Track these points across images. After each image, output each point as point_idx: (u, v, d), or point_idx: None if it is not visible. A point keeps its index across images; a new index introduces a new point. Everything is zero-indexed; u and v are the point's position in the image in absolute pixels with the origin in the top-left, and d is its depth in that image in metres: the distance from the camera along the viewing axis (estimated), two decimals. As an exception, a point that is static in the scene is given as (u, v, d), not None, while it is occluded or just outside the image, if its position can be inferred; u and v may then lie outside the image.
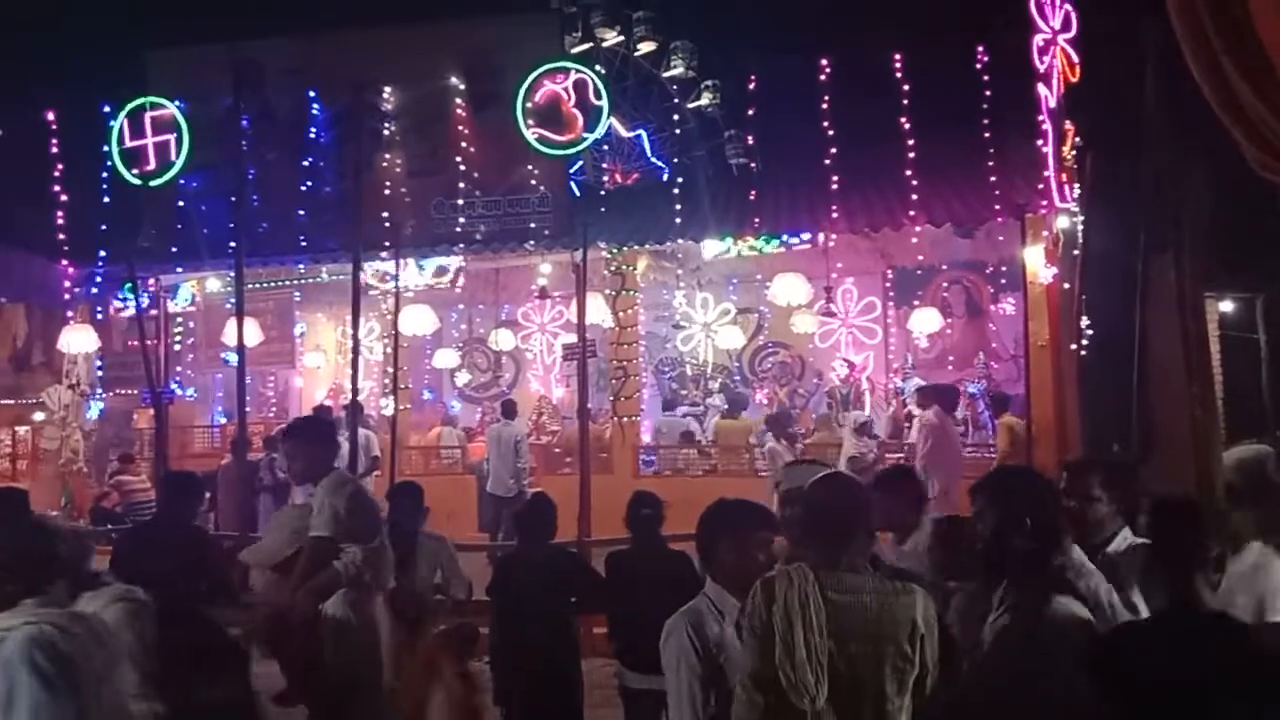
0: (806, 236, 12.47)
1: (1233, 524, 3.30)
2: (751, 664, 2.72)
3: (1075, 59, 11.46)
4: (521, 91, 11.96)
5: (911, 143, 11.69)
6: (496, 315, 16.24)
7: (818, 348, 15.76)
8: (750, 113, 13.20)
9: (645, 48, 14.76)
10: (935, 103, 12.13)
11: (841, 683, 2.62)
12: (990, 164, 11.45)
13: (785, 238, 12.54)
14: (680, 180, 12.97)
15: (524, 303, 16.55)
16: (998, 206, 11.18)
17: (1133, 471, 4.67)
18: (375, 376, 15.85)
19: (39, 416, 13.79)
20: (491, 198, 12.62)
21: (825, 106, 12.08)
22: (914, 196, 11.52)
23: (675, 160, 13.74)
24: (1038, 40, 11.01)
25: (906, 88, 11.93)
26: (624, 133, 14.64)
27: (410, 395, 15.61)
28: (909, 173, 11.59)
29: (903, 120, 11.80)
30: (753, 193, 12.44)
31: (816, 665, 2.59)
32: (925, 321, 13.80)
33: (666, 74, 14.50)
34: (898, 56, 12.02)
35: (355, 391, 6.49)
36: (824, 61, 12.25)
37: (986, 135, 11.58)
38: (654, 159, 14.38)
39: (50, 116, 12.97)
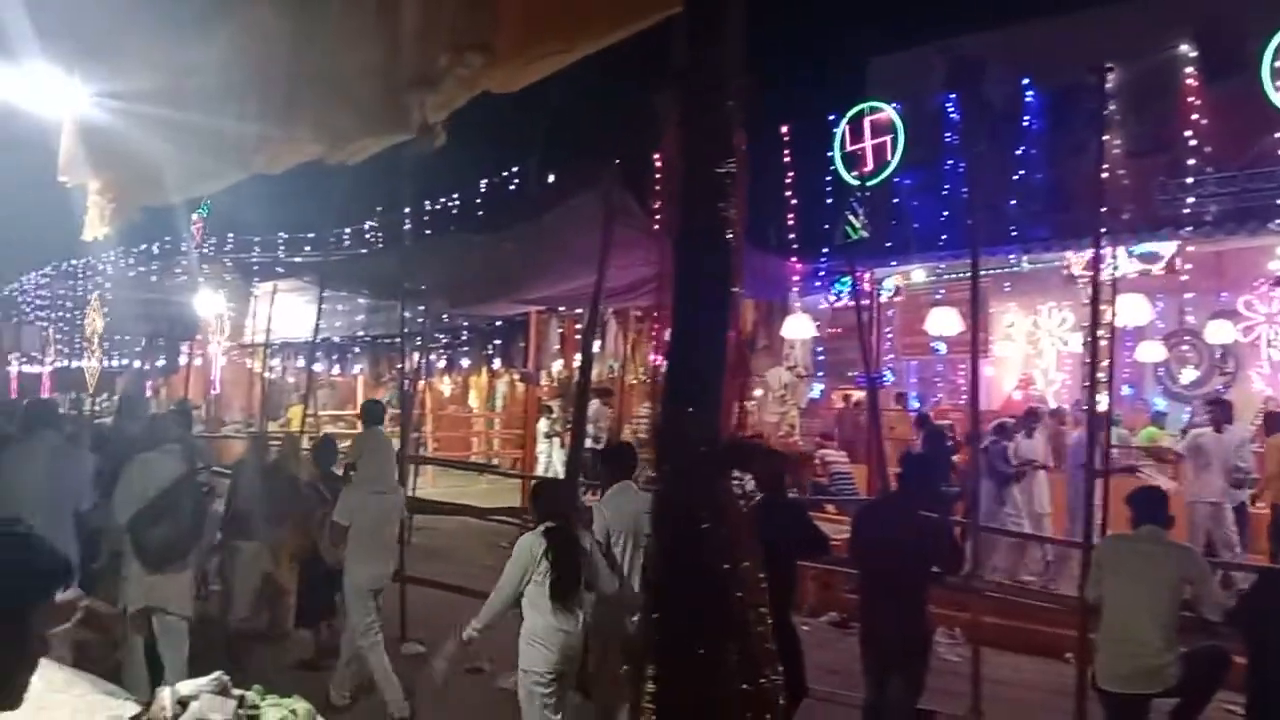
0: None
1: None
2: None
3: None
4: (1270, 50, 10.59)
5: None
6: (1211, 304, 14.58)
7: None
8: None
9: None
10: None
11: None
12: None
13: None
14: None
15: (1247, 290, 14.64)
16: None
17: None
18: (1067, 369, 15.25)
19: (758, 393, 15.56)
20: (1226, 174, 11.40)
21: None
22: None
23: None
24: None
25: None
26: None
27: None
28: None
29: None
30: None
31: None
32: None
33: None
34: None
35: (1098, 389, 6.25)
36: None
37: None
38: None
39: (784, 129, 14.61)
